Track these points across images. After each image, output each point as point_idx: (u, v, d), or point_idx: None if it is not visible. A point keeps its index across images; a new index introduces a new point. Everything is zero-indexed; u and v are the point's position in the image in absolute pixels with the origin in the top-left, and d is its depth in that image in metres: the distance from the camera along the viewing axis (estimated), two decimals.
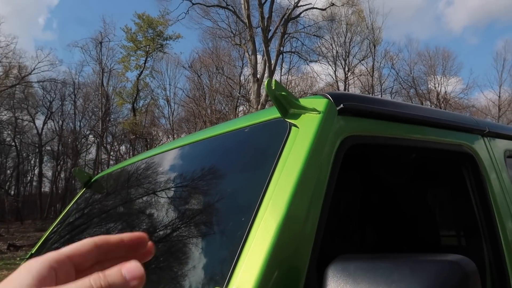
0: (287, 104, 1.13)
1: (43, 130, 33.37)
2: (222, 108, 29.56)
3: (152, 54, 28.95)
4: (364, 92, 28.25)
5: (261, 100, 20.42)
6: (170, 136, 29.99)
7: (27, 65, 30.85)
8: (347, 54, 30.42)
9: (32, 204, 36.56)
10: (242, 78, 29.55)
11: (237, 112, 27.84)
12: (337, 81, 29.90)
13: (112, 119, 33.41)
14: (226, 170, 1.31)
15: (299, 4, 24.18)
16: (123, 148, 35.70)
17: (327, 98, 1.16)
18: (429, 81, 32.03)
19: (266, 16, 22.61)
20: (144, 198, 1.63)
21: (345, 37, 30.20)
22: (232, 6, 24.35)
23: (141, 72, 29.12)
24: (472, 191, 1.43)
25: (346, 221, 2.33)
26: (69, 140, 33.97)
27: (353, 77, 30.48)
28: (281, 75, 29.58)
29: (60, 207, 33.05)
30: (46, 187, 38.31)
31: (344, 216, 2.31)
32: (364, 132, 1.18)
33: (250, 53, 22.80)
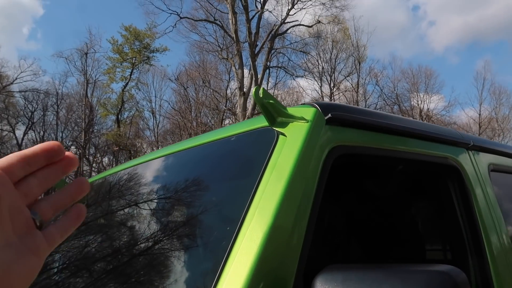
0: (275, 112, 1.11)
1: (23, 141, 32.67)
2: (208, 121, 29.51)
3: (138, 66, 28.86)
4: None
5: (247, 114, 20.47)
6: (154, 148, 29.67)
7: (9, 74, 30.34)
8: (332, 70, 30.87)
9: None
10: (228, 91, 29.62)
11: (223, 125, 27.78)
12: (322, 96, 30.23)
13: (95, 130, 32.96)
14: (211, 179, 1.29)
15: (286, 21, 24.56)
16: (106, 160, 35.14)
17: (315, 107, 1.15)
18: (412, 98, 32.66)
19: (253, 31, 22.88)
20: (127, 210, 1.58)
21: (331, 54, 30.69)
22: (219, 21, 24.55)
23: (127, 83, 28.93)
24: (457, 204, 1.43)
25: (330, 233, 2.31)
26: None
27: (339, 93, 30.89)
28: (267, 89, 29.69)
29: None
30: None
31: (328, 228, 2.29)
32: (351, 142, 1.17)
33: (237, 67, 22.94)
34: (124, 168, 1.93)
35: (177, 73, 30.82)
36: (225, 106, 28.17)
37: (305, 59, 28.47)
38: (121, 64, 28.32)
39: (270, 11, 24.72)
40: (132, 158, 27.03)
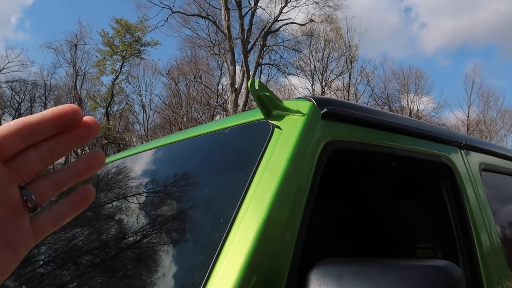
0: (271, 105, 1.10)
1: None
2: (199, 116, 29.38)
3: (129, 59, 28.54)
4: None
5: (238, 110, 20.43)
6: (144, 142, 29.47)
7: None
8: (324, 69, 30.98)
9: None
10: (220, 87, 29.52)
11: (213, 120, 27.70)
12: (314, 95, 30.32)
13: None
14: (205, 171, 1.27)
15: (279, 19, 24.54)
16: None
17: (311, 101, 1.14)
18: (402, 98, 32.99)
19: (246, 28, 22.82)
20: (116, 203, 1.55)
21: (323, 53, 30.78)
22: (212, 17, 24.43)
23: (117, 76, 28.60)
24: (449, 202, 1.44)
25: (319, 231, 2.31)
26: None
27: (330, 92, 31.00)
28: None
29: None
30: None
31: (317, 226, 2.28)
32: (346, 138, 1.16)
33: (228, 63, 22.87)
34: (113, 160, 1.90)
35: (168, 68, 30.65)
36: (216, 102, 28.08)
37: (297, 57, 28.55)
38: (111, 57, 27.98)
39: (263, 8, 24.71)
40: (120, 151, 26.79)
